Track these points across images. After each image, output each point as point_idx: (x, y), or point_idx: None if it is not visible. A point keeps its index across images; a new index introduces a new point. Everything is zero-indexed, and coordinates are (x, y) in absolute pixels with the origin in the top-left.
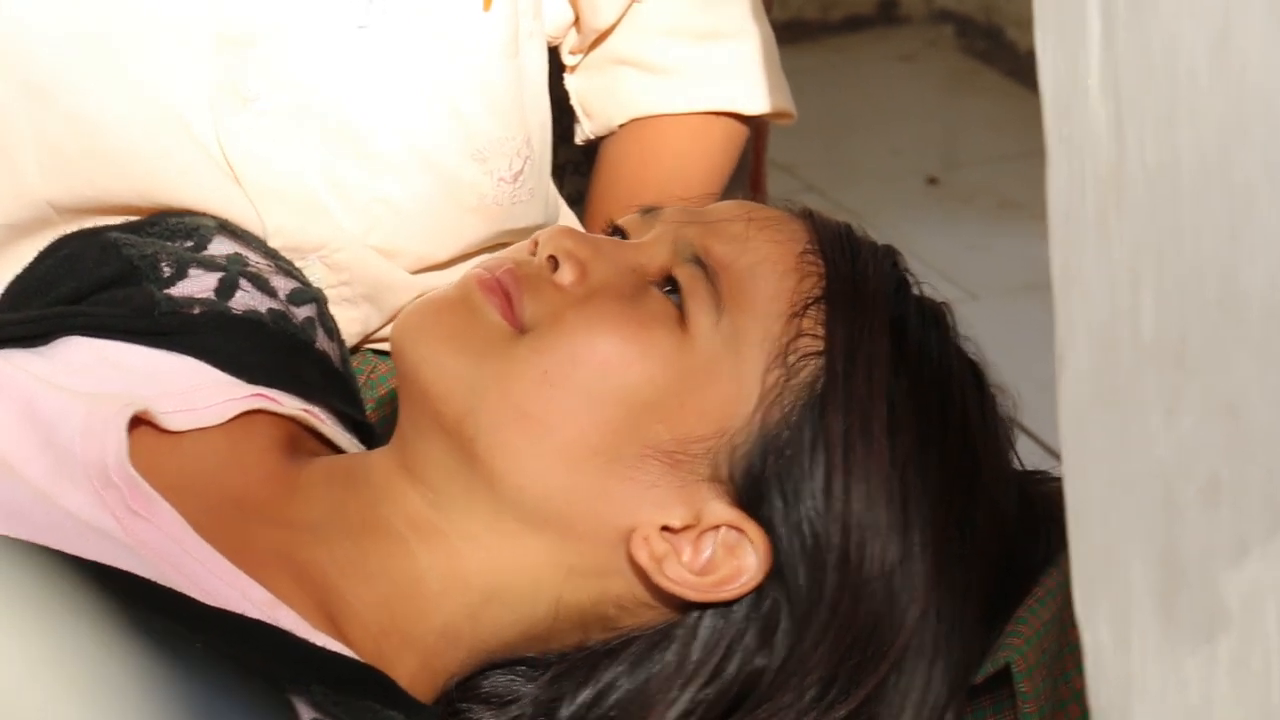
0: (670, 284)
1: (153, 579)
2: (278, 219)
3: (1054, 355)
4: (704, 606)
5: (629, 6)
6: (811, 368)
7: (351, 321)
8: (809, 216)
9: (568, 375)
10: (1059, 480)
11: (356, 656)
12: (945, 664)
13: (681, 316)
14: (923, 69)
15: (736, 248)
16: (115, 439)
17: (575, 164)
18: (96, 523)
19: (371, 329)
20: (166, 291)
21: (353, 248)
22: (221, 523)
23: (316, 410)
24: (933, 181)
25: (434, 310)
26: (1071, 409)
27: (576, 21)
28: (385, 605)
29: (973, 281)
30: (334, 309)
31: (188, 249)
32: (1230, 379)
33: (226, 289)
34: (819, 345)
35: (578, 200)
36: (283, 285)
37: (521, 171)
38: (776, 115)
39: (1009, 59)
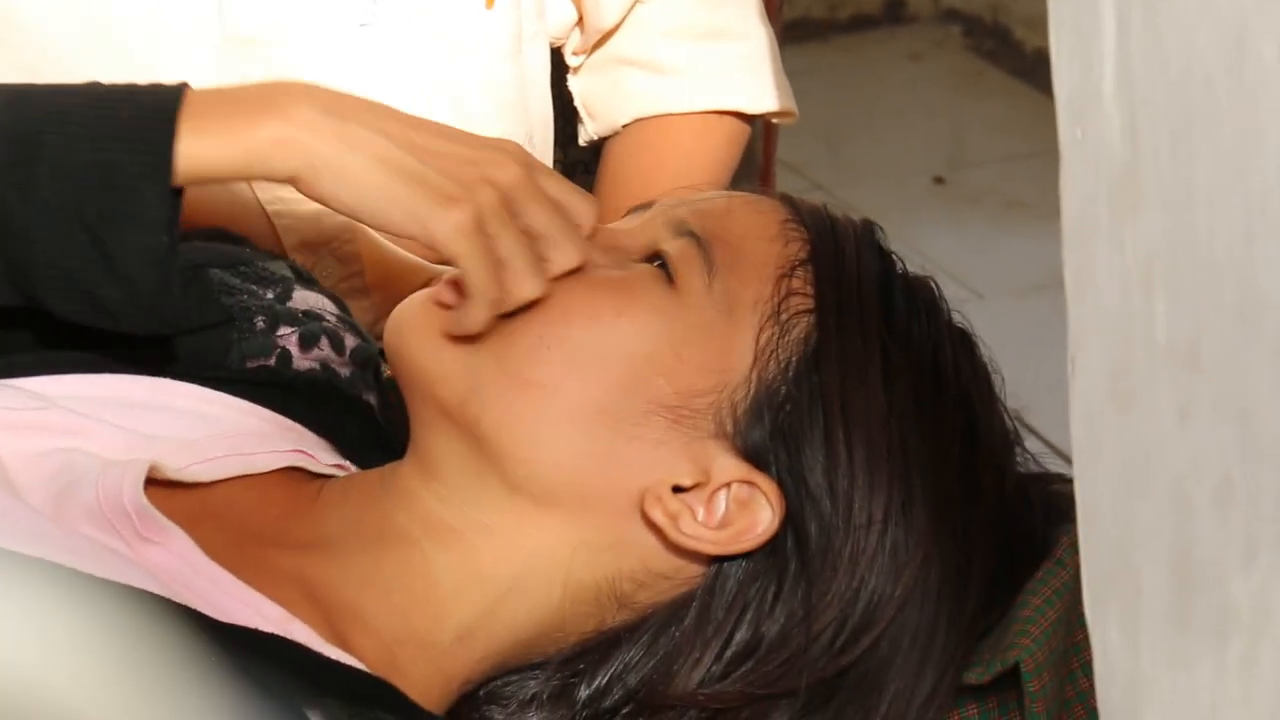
0: (655, 259)
1: (163, 596)
2: (288, 219)
3: (1063, 356)
4: (721, 562)
5: (632, 7)
6: (804, 324)
7: (364, 310)
8: (784, 197)
9: (563, 336)
10: (1068, 482)
11: (367, 669)
12: (951, 609)
13: (670, 279)
14: (930, 69)
15: (723, 220)
16: (134, 473)
17: (585, 163)
18: (105, 544)
19: (383, 315)
20: (244, 352)
21: (363, 239)
22: (235, 548)
23: (349, 465)
24: (939, 181)
25: (423, 303)
26: (1083, 410)
27: (580, 22)
28: (400, 613)
29: (979, 282)
30: (346, 299)
31: (271, 299)
32: (1244, 383)
33: (306, 342)
34: (809, 303)
35: None
36: (350, 340)
37: None
38: (779, 114)
39: (1016, 59)
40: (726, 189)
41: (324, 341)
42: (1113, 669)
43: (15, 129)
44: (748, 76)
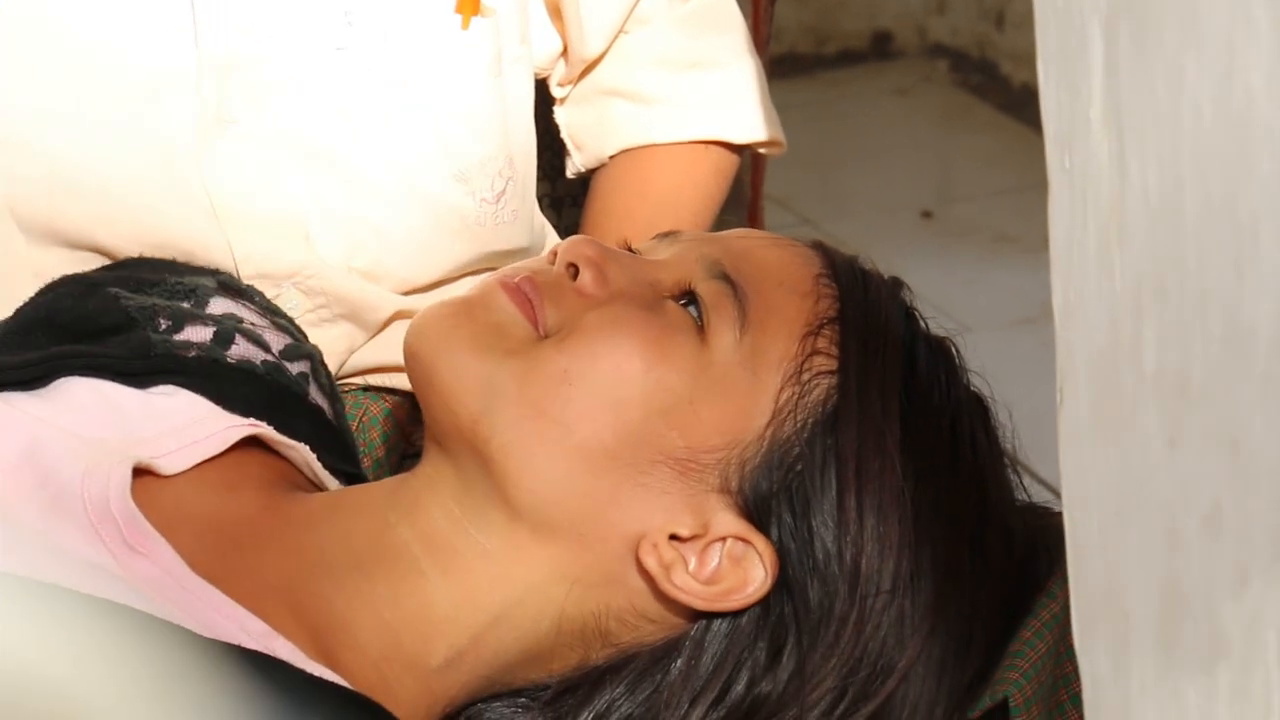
0: (686, 299)
1: (151, 613)
2: (247, 246)
3: (1050, 390)
4: (709, 618)
5: (617, 36)
6: (824, 386)
7: (335, 340)
8: (819, 246)
9: (586, 374)
10: (1056, 515)
11: (351, 687)
12: (952, 681)
13: (699, 329)
14: (917, 103)
15: (759, 268)
16: (119, 477)
17: (574, 197)
18: (93, 559)
19: (356, 345)
20: (163, 336)
21: (327, 273)
22: (219, 557)
23: (307, 451)
24: (927, 215)
25: (452, 311)
26: (1071, 440)
27: (565, 52)
28: (390, 631)
29: (966, 315)
30: (315, 330)
31: (185, 309)
32: (1233, 411)
33: (222, 341)
34: (833, 365)
35: (575, 232)
36: (276, 341)
37: (504, 192)
38: (767, 144)
39: (1003, 93)
40: (720, 222)
41: (240, 339)
42: (1101, 698)
43: None
44: (734, 106)
